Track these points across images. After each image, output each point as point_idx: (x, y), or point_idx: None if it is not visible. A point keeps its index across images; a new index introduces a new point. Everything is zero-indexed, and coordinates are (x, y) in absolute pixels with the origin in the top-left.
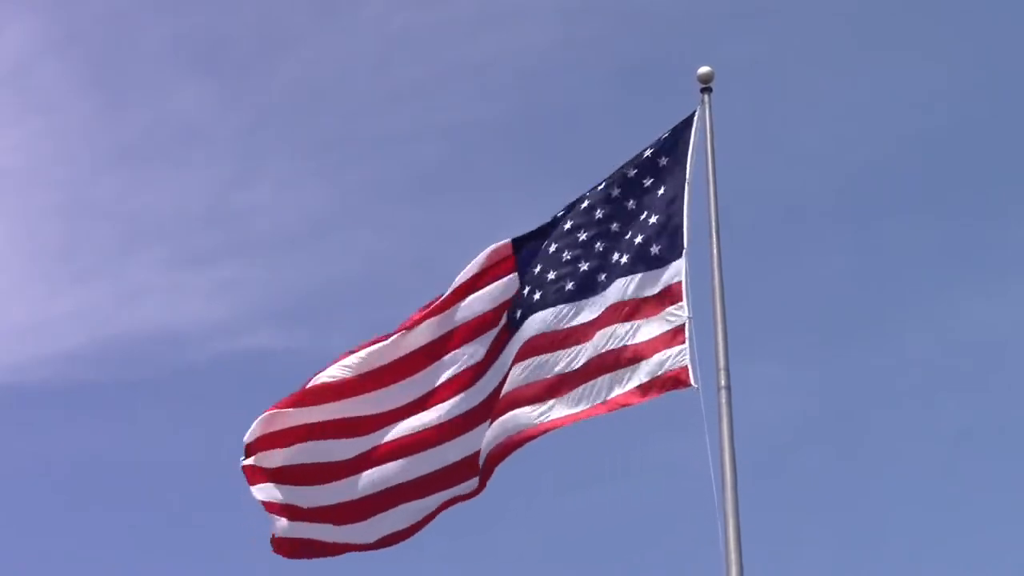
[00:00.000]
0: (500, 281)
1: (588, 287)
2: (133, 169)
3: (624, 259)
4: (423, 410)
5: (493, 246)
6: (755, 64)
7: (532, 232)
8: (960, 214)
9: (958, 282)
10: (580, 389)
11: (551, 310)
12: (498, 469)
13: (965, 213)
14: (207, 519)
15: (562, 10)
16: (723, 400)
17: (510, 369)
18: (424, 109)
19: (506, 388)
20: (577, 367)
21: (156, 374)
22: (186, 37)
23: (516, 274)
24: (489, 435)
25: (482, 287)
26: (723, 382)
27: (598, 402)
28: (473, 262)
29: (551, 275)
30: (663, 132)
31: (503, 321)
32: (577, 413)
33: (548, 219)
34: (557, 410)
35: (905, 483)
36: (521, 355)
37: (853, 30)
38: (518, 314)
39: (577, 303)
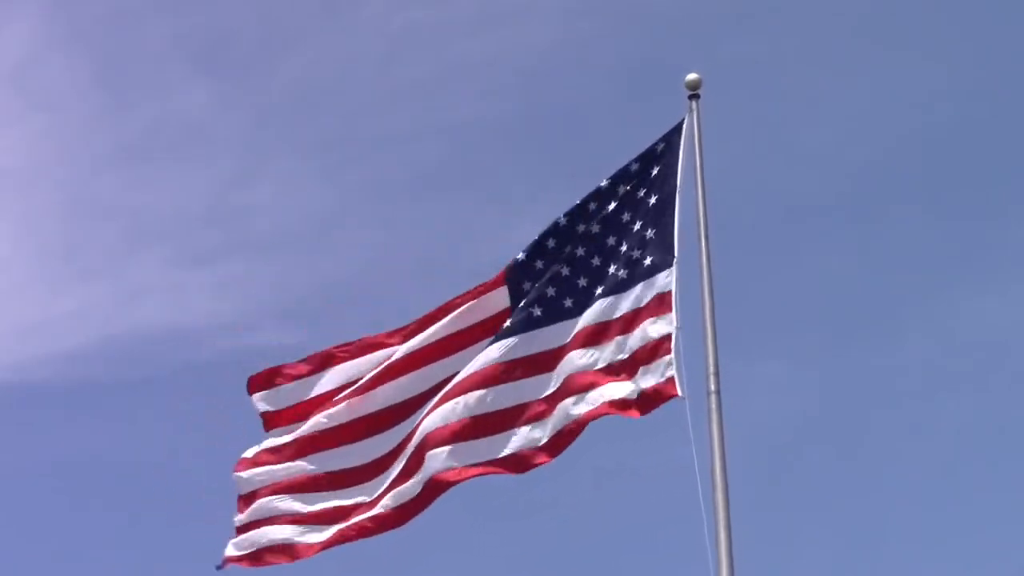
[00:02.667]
0: (487, 295)
1: (585, 302)
2: (134, 168)
3: (622, 272)
4: (392, 425)
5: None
6: (755, 64)
7: (524, 260)
8: (960, 214)
9: (958, 282)
10: (570, 400)
11: (553, 327)
12: (479, 479)
13: (965, 213)
14: (210, 519)
15: (562, 9)
16: (713, 405)
17: (506, 382)
18: (424, 109)
19: (507, 403)
20: (562, 384)
21: (158, 373)
22: (187, 37)
23: (505, 288)
24: (484, 447)
25: (469, 301)
26: (712, 387)
27: (586, 412)
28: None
29: (550, 291)
30: (651, 142)
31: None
32: (566, 429)
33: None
34: (550, 429)
35: (905, 483)
36: (521, 373)
37: (853, 30)
38: (515, 326)
39: (576, 319)
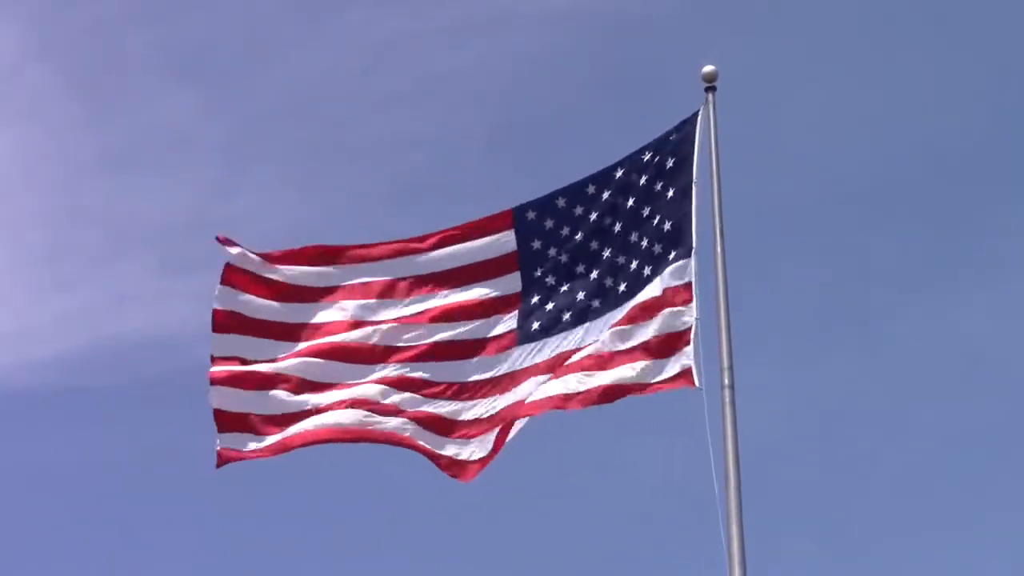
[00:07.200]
0: (494, 235)
1: (609, 301)
2: (119, 176)
3: (645, 269)
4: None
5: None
6: (756, 67)
7: (535, 204)
8: (957, 217)
9: (956, 283)
10: (579, 375)
11: (573, 331)
12: (494, 469)
13: (962, 216)
14: (191, 525)
15: (544, 16)
16: (727, 399)
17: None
18: (409, 118)
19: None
20: (581, 358)
21: (141, 380)
22: (171, 46)
23: (512, 232)
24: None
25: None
26: (727, 381)
27: (596, 389)
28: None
29: (564, 288)
30: (662, 132)
31: (511, 325)
32: (572, 398)
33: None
34: (551, 388)
35: (904, 483)
36: (546, 368)
37: (855, 33)
38: (535, 326)
39: (598, 320)
